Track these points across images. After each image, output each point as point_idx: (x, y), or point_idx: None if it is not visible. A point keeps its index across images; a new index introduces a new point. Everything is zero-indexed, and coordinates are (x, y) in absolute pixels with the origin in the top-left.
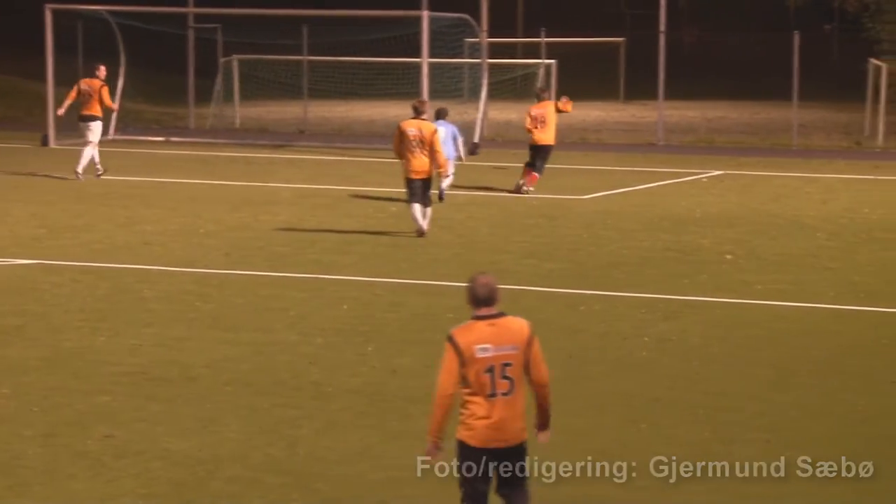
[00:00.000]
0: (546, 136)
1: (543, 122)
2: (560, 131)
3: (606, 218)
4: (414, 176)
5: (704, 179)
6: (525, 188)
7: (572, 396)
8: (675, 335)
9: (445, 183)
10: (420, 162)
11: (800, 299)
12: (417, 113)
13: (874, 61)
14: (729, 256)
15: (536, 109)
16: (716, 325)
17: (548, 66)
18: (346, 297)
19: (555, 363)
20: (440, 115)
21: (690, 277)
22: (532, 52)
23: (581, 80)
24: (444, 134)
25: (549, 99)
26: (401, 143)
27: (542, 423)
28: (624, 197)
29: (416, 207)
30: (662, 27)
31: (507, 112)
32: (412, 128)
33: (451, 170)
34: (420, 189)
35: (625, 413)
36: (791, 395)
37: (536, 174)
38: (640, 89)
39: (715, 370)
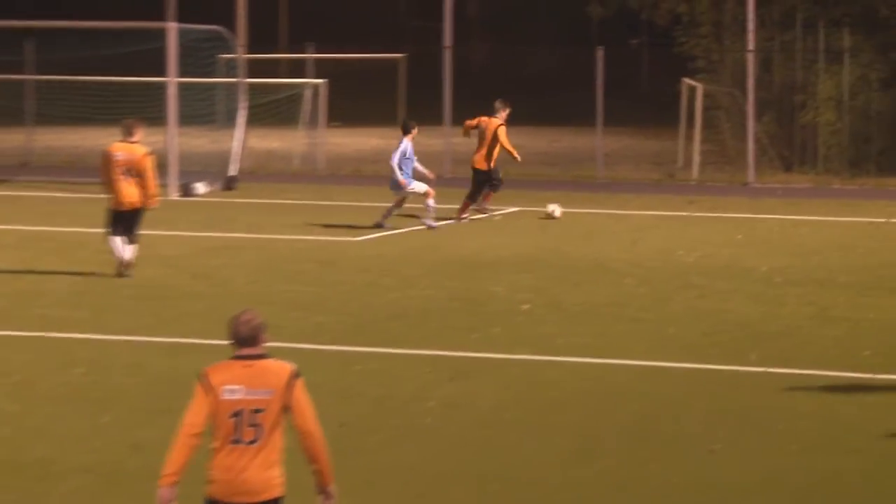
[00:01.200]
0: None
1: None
2: (332, 162)
3: (385, 263)
4: (120, 207)
5: (498, 217)
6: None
7: (344, 471)
8: (464, 398)
9: (430, 212)
10: (128, 191)
11: (606, 355)
12: (127, 135)
13: (688, 81)
14: (525, 306)
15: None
16: (511, 386)
17: (316, 87)
18: (78, 359)
19: (325, 433)
20: (406, 129)
21: (481, 331)
22: (298, 70)
23: (356, 102)
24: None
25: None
26: (107, 170)
27: (320, 483)
28: (404, 238)
29: (117, 241)
30: (448, 41)
31: (269, 140)
32: (120, 152)
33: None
34: (126, 222)
35: (405, 490)
36: (596, 466)
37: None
38: (424, 113)
39: (510, 438)
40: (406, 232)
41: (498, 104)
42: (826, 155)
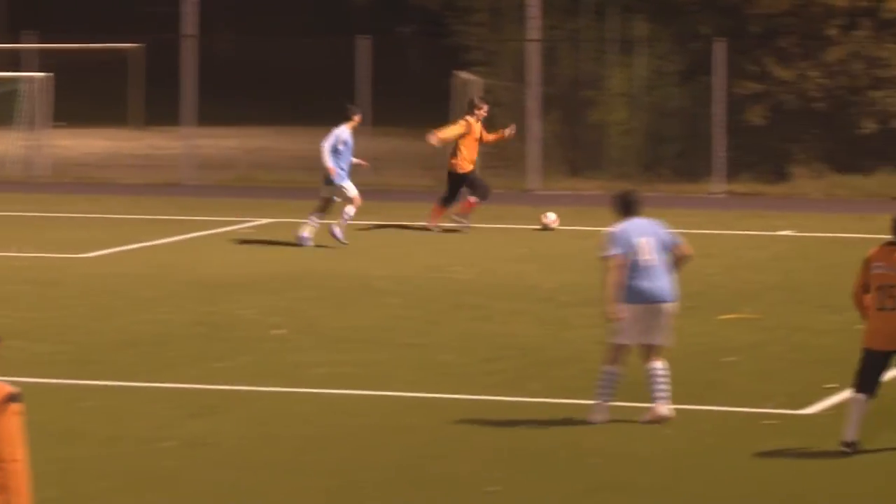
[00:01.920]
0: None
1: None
2: (56, 167)
3: (116, 283)
4: None
5: (247, 230)
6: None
7: None
8: (210, 437)
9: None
10: None
11: (370, 386)
12: None
13: (462, 74)
14: (278, 332)
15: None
16: (262, 422)
17: (36, 82)
18: None
19: (47, 480)
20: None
21: (228, 360)
22: (15, 61)
23: (83, 99)
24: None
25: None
26: None
27: None
28: (139, 255)
29: None
30: (190, 30)
31: None
32: None
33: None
34: None
35: None
36: None
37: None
38: (162, 112)
39: (261, 480)
40: (141, 247)
41: (477, 100)
42: (618, 158)
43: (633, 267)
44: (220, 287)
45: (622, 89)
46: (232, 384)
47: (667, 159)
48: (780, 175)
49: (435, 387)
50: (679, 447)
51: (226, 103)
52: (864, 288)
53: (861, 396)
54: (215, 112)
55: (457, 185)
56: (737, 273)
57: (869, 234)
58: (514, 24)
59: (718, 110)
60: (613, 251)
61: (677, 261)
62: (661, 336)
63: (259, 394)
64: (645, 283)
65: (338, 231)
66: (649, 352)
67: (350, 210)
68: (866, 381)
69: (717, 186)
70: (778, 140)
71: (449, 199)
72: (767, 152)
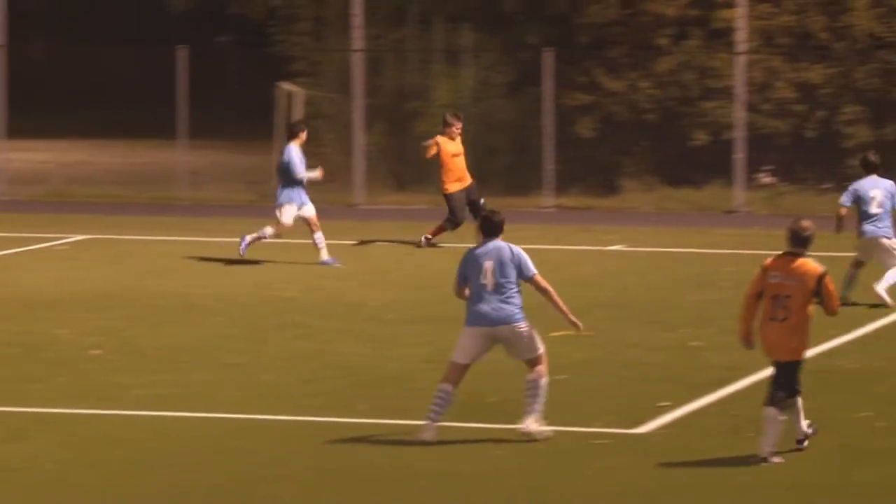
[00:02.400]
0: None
1: None
2: None
3: None
4: None
5: (62, 247)
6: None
7: None
8: (23, 462)
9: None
10: None
11: (191, 408)
12: None
13: (285, 86)
14: (96, 352)
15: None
16: (79, 446)
17: None
18: None
19: None
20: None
21: (43, 381)
22: None
23: None
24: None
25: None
26: None
27: None
28: None
29: None
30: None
31: None
32: None
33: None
34: None
35: None
36: None
37: None
38: None
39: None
40: None
41: (449, 117)
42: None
43: (474, 290)
44: (35, 306)
45: (448, 101)
46: (48, 406)
47: (496, 172)
48: (610, 188)
49: (258, 408)
50: (509, 467)
51: (39, 114)
52: (758, 295)
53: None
54: (27, 125)
55: (450, 204)
56: (568, 289)
57: (700, 249)
58: (338, 34)
59: (547, 122)
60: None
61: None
62: (523, 352)
63: (76, 416)
64: (485, 307)
65: (246, 240)
66: (528, 364)
67: (268, 231)
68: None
69: (547, 200)
70: (608, 152)
71: (451, 220)
72: (597, 165)
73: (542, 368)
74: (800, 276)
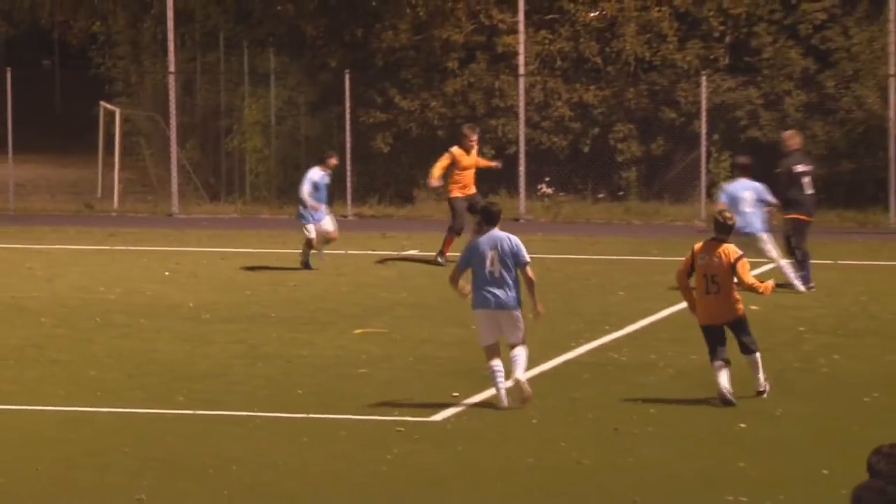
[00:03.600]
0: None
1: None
2: None
3: None
4: None
5: None
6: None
7: None
8: None
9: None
10: None
11: (22, 401)
12: None
13: (105, 105)
14: None
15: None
16: None
17: None
18: None
19: None
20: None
21: None
22: None
23: None
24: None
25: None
26: None
27: None
28: None
29: None
30: None
31: None
32: None
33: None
34: None
35: None
36: None
37: None
38: None
39: None
40: None
41: (466, 130)
42: (253, 183)
43: (478, 276)
44: None
45: (256, 119)
46: None
47: (299, 184)
48: (405, 198)
49: (84, 401)
50: (315, 455)
51: None
52: (688, 272)
53: (718, 363)
54: None
55: (452, 209)
56: (367, 290)
57: None
58: (154, 57)
59: (347, 138)
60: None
61: (526, 280)
62: (512, 336)
63: None
64: (487, 292)
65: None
66: (510, 345)
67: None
68: (714, 350)
69: (348, 210)
70: (403, 166)
71: (453, 228)
72: (393, 177)
73: (523, 345)
74: (721, 258)
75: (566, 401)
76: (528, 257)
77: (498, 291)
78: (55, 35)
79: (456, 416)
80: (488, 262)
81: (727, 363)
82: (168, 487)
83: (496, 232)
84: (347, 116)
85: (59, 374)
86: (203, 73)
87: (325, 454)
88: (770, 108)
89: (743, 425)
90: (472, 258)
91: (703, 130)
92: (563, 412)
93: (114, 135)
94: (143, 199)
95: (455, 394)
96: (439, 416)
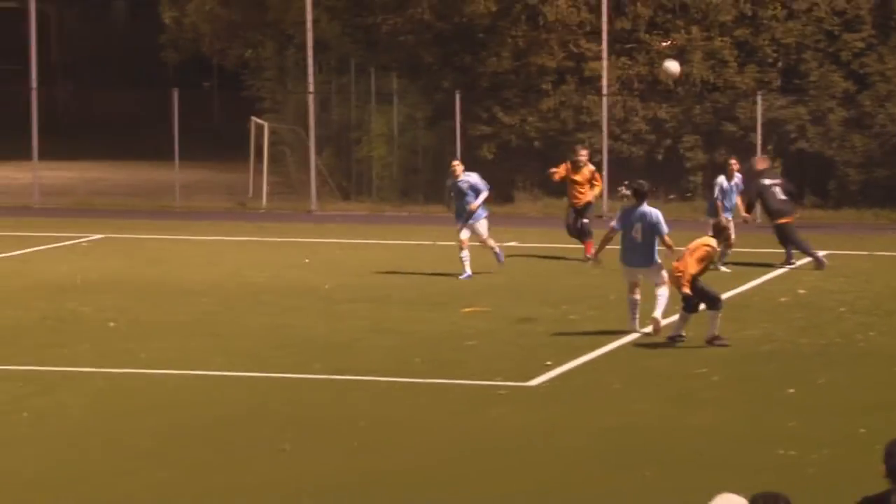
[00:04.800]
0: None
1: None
2: None
3: None
4: None
5: (84, 244)
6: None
7: None
8: (55, 409)
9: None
10: None
11: (185, 367)
12: None
13: (256, 120)
14: (112, 324)
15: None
16: (97, 397)
17: None
18: None
19: None
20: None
21: (70, 347)
22: None
23: None
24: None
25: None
26: None
27: None
28: None
29: None
30: (34, 83)
31: None
32: None
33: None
34: None
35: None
36: (173, 468)
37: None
38: (14, 149)
39: (94, 443)
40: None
41: (578, 147)
42: (379, 185)
43: (625, 238)
44: (64, 289)
45: (382, 131)
46: (74, 366)
47: (418, 186)
48: (506, 198)
49: (238, 367)
50: (429, 413)
51: (66, 142)
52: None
53: (686, 314)
54: (58, 149)
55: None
56: (474, 277)
57: (574, 245)
58: (296, 79)
59: (457, 147)
60: (615, 224)
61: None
62: (652, 279)
63: (95, 374)
64: (632, 252)
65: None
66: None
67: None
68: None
69: None
70: (505, 171)
71: (581, 231)
72: (496, 180)
73: (665, 285)
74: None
75: (643, 369)
76: (666, 229)
77: (639, 254)
78: (214, 61)
79: (549, 381)
80: (633, 231)
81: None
82: (307, 440)
83: (644, 207)
84: (458, 130)
85: (217, 345)
86: (337, 93)
87: (437, 413)
88: (816, 123)
89: (791, 391)
90: (624, 223)
91: (759, 142)
92: (640, 379)
93: (262, 145)
94: (286, 199)
95: (548, 363)
96: (534, 382)
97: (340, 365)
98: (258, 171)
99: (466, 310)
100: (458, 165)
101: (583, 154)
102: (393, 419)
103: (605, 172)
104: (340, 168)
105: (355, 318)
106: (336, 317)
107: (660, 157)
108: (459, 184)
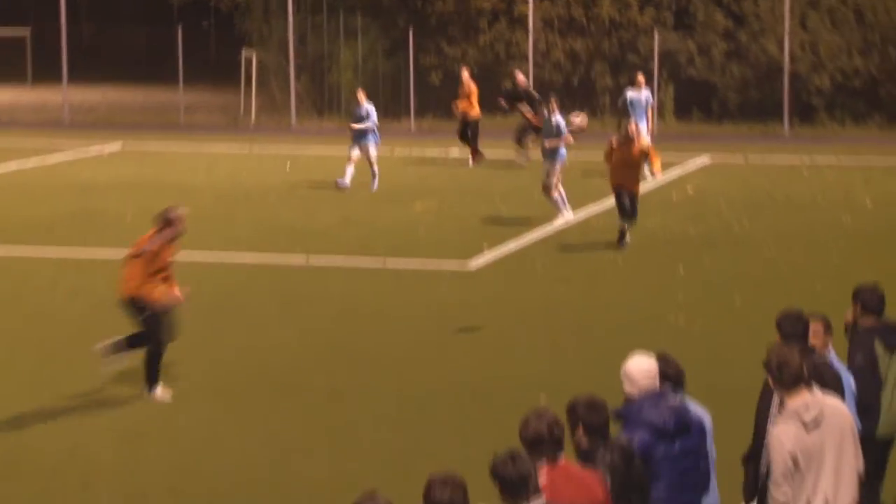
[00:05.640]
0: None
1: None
2: None
3: (21, 188)
4: None
5: (106, 153)
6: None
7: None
8: (85, 287)
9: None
10: None
11: (189, 249)
12: None
13: (246, 51)
14: (129, 218)
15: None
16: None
17: None
18: None
19: None
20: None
21: (95, 236)
22: None
23: None
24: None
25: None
26: None
27: None
28: (35, 170)
29: None
30: (63, 20)
31: None
32: None
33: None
34: None
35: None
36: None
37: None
38: (48, 74)
39: (123, 320)
40: (37, 165)
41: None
42: (346, 105)
43: None
44: (90, 188)
45: (349, 61)
46: (101, 253)
47: (378, 106)
48: (450, 116)
49: (234, 249)
50: (390, 291)
51: (91, 69)
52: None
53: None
54: (85, 75)
55: None
56: (429, 176)
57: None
58: (278, 18)
59: (412, 75)
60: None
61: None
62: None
63: (118, 258)
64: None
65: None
66: None
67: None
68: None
69: (412, 124)
70: (451, 94)
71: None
72: (443, 101)
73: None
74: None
75: (563, 256)
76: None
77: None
78: (211, 3)
79: (486, 264)
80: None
81: None
82: (291, 311)
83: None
84: (411, 60)
85: (215, 233)
86: (312, 30)
87: (400, 294)
88: (702, 54)
89: (681, 270)
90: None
91: (656, 70)
92: (560, 264)
93: (252, 73)
94: (271, 116)
95: (483, 249)
96: (472, 266)
97: (316, 249)
98: (248, 94)
99: (419, 205)
100: (360, 93)
101: (465, 73)
102: (356, 295)
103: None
104: (315, 91)
105: (328, 211)
106: (312, 210)
107: (575, 82)
108: (359, 110)
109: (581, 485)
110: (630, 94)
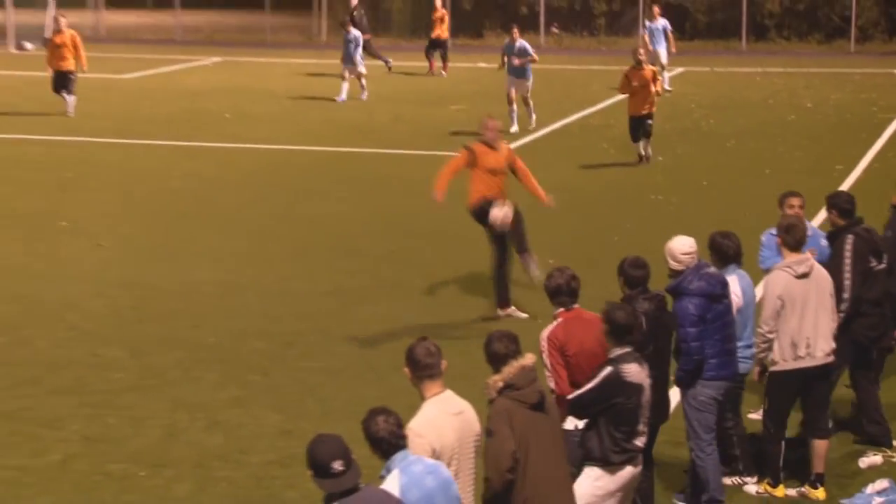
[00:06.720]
0: None
1: None
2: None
3: (144, 92)
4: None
5: (209, 64)
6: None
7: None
8: (197, 170)
9: None
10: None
11: (273, 143)
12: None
13: None
14: (227, 115)
15: None
16: (221, 163)
17: None
18: None
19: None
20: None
21: (202, 130)
22: None
23: None
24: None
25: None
26: None
27: None
28: (154, 77)
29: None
30: None
31: None
32: None
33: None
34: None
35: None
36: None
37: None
38: (163, 2)
39: (225, 196)
40: (155, 73)
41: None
42: (397, 26)
43: None
44: (196, 93)
45: None
46: (206, 143)
47: (423, 28)
48: (478, 34)
49: (305, 144)
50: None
51: None
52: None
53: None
54: (193, 1)
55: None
56: (455, 84)
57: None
58: None
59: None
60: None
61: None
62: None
63: (219, 148)
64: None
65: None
66: None
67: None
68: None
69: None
70: (477, 16)
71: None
72: (470, 21)
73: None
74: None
75: (567, 147)
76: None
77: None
78: None
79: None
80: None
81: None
82: (355, 187)
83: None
84: None
85: (293, 129)
86: None
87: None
88: None
89: (660, 158)
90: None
91: None
92: (564, 155)
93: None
94: (339, 34)
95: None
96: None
97: (370, 142)
98: (319, 16)
99: (454, 107)
100: (349, 24)
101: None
102: (401, 176)
103: (541, 16)
104: (369, 14)
105: (382, 113)
106: (368, 111)
107: (577, 7)
108: (347, 36)
109: (590, 326)
110: (649, 24)
